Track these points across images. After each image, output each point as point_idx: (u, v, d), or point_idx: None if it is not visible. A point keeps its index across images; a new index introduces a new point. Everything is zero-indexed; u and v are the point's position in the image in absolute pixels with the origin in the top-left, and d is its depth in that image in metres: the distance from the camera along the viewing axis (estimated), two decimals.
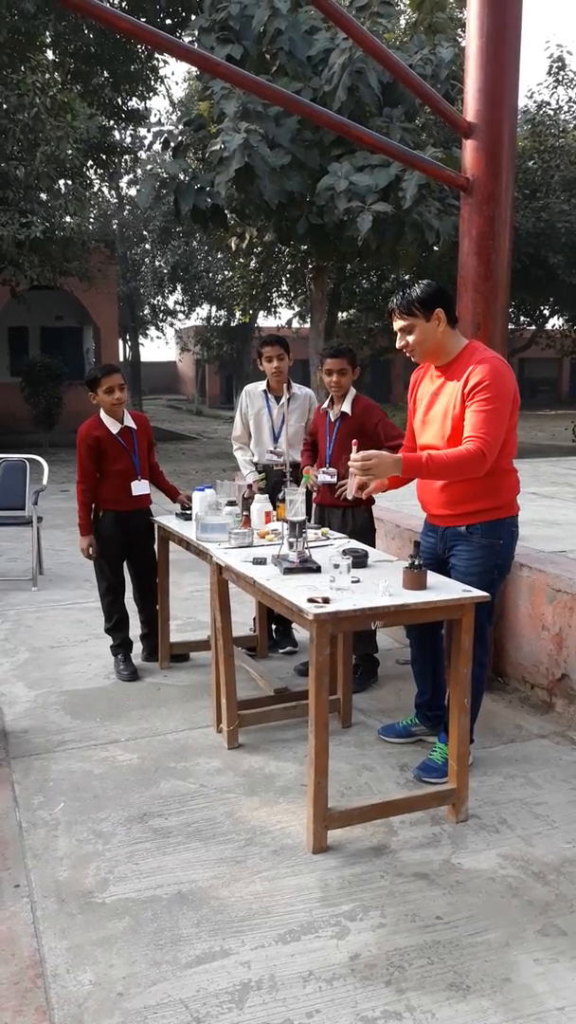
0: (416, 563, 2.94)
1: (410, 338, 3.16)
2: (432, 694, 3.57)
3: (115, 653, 4.51)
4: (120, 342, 24.77)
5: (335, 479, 4.12)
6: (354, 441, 3.18)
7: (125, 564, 4.52)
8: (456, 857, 2.80)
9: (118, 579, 4.46)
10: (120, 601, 4.47)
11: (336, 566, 2.92)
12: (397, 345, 3.24)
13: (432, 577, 3.02)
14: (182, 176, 11.11)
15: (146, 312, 30.11)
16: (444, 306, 3.13)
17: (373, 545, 4.07)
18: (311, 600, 2.76)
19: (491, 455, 3.00)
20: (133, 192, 24.96)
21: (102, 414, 4.34)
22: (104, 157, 17.51)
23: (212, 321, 28.92)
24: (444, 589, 2.96)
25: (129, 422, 4.39)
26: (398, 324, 3.18)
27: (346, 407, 4.18)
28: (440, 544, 3.33)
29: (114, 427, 4.33)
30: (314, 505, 4.38)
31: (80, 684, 4.33)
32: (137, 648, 4.65)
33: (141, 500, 4.41)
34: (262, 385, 4.67)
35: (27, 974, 2.26)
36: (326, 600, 2.76)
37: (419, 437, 3.33)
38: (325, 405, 4.32)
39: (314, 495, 4.29)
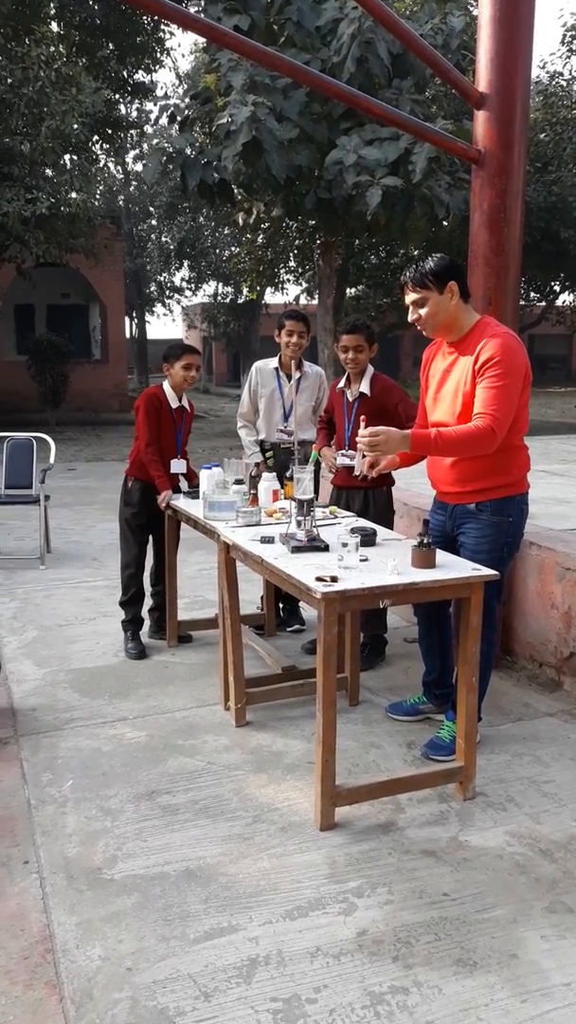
0: (425, 541, 2.92)
1: (422, 311, 3.12)
2: (440, 672, 3.57)
3: (125, 629, 4.52)
4: (126, 319, 24.65)
5: (355, 461, 4.03)
6: (362, 418, 3.14)
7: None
8: (463, 834, 2.80)
9: (142, 552, 4.52)
10: (140, 576, 4.52)
11: (344, 545, 2.90)
12: (409, 318, 3.19)
13: (441, 555, 3.00)
14: (189, 150, 10.99)
15: (152, 289, 29.90)
16: (457, 279, 3.08)
17: (391, 526, 4.03)
18: (319, 579, 2.74)
19: (501, 432, 2.97)
20: (139, 167, 24.73)
21: (166, 386, 4.45)
22: (110, 131, 17.33)
23: (219, 298, 28.72)
24: (453, 567, 2.94)
25: (185, 403, 4.51)
26: (410, 297, 3.13)
27: (364, 387, 4.08)
28: (449, 522, 3.30)
29: (173, 402, 4.45)
30: (332, 487, 4.33)
31: (88, 662, 4.34)
32: (145, 626, 4.65)
33: (173, 478, 4.47)
34: (273, 363, 4.60)
35: (37, 949, 2.28)
36: (334, 579, 2.75)
37: (431, 414, 3.30)
38: (342, 383, 4.21)
39: (331, 476, 4.24)
